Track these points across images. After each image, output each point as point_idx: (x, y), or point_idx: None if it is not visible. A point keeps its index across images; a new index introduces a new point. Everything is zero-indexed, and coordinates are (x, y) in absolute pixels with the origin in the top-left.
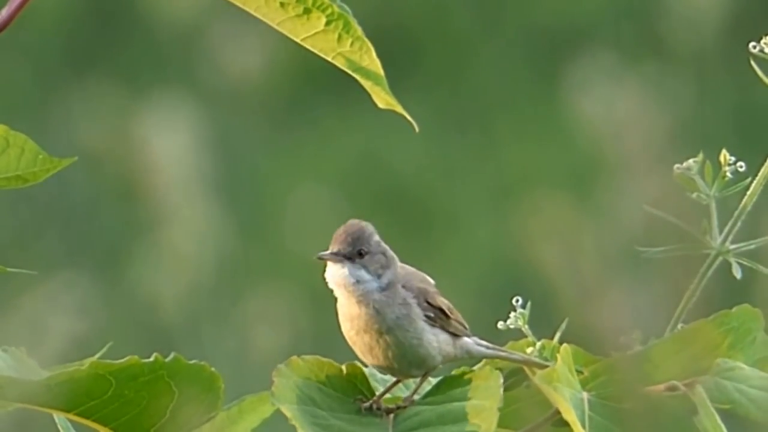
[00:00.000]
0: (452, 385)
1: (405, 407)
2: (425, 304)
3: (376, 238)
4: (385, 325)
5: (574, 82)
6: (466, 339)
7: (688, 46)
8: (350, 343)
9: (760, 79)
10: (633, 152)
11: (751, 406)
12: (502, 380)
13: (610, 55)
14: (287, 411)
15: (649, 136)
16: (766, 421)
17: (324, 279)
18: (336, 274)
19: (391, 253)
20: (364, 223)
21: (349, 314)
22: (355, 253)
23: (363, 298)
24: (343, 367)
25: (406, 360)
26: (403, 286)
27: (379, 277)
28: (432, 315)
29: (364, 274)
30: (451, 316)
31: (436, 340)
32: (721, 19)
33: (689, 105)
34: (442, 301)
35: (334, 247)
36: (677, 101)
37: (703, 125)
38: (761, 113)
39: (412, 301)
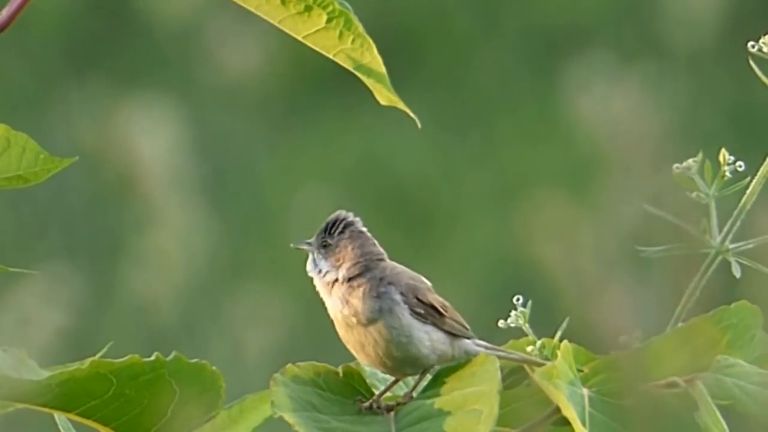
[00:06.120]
0: (449, 376)
1: (404, 404)
2: (414, 300)
3: (354, 228)
4: (364, 317)
5: (574, 81)
6: (465, 340)
7: (687, 45)
8: (344, 341)
9: (759, 79)
10: (632, 152)
11: (750, 402)
12: (498, 364)
13: (609, 55)
14: (290, 419)
15: (647, 136)
16: (765, 417)
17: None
18: (308, 264)
19: (369, 248)
20: (337, 215)
21: (328, 305)
22: (319, 244)
23: (326, 288)
24: (339, 370)
25: (398, 358)
26: (389, 282)
27: (337, 269)
28: (422, 311)
29: (323, 264)
30: (446, 314)
31: (428, 339)
32: (719, 19)
33: (688, 104)
34: (435, 299)
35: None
36: (676, 101)
37: (702, 125)
38: (760, 113)
39: (397, 297)
